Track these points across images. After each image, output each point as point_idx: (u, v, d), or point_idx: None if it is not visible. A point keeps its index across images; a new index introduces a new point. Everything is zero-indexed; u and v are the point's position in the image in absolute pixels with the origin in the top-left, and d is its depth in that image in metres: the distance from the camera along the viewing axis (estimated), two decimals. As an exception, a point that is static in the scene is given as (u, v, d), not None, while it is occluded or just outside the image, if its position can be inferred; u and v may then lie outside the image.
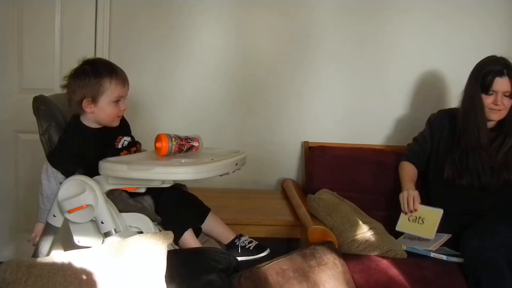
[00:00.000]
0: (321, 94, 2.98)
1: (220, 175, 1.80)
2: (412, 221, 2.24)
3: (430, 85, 2.95)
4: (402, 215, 2.33)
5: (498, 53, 2.33)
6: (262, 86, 2.97)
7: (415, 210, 2.29)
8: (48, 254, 1.88)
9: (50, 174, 1.88)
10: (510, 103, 2.26)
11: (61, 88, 1.92)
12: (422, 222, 2.20)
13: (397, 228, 2.32)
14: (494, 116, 2.28)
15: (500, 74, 2.21)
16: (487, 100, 2.25)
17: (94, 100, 1.85)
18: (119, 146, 1.94)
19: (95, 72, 1.85)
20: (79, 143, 1.86)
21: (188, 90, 2.95)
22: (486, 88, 2.24)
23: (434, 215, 2.18)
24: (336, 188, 2.55)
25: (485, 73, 2.24)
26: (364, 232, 2.21)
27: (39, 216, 1.93)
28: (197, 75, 2.94)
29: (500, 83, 2.22)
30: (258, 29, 2.95)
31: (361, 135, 3.00)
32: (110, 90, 1.85)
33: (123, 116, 2.03)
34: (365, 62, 2.96)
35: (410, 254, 2.21)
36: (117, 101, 1.89)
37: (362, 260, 2.14)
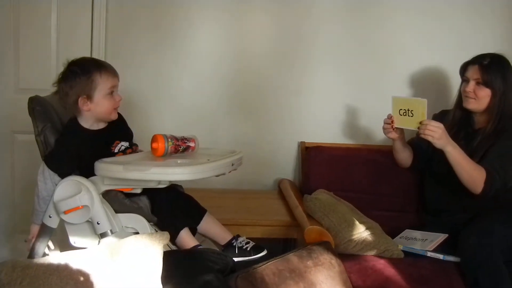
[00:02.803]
0: (317, 94, 2.97)
1: (217, 176, 1.80)
2: (403, 114, 2.25)
3: (427, 84, 2.95)
4: (394, 115, 2.32)
5: (498, 50, 2.35)
6: (258, 86, 2.97)
7: (391, 120, 2.32)
8: (44, 255, 1.88)
9: (47, 176, 1.87)
10: (483, 94, 2.28)
11: (52, 95, 1.93)
12: (412, 115, 2.21)
13: (395, 125, 2.33)
14: (467, 104, 2.34)
15: (473, 62, 2.32)
16: (463, 87, 2.35)
17: (89, 97, 1.86)
18: (116, 151, 1.94)
19: (83, 70, 1.87)
20: (76, 145, 1.86)
21: (184, 90, 2.95)
22: (462, 76, 2.38)
23: (420, 105, 2.18)
24: (332, 188, 2.56)
25: (464, 63, 2.38)
26: (361, 232, 2.21)
27: (35, 217, 1.93)
28: (194, 75, 2.94)
29: (471, 70, 2.31)
30: (254, 29, 2.94)
31: (357, 135, 3.00)
32: (102, 83, 1.87)
33: (126, 123, 2.05)
34: (362, 62, 2.96)
35: (406, 253, 2.22)
36: (111, 93, 1.90)
37: (359, 260, 2.14)
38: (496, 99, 2.26)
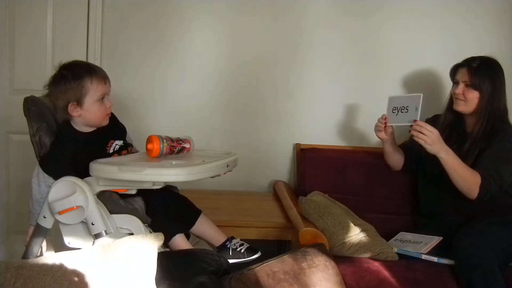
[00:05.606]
0: (313, 96, 2.98)
1: (212, 177, 1.80)
2: (397, 111, 2.28)
3: (422, 87, 2.95)
4: (387, 114, 2.36)
5: (494, 53, 2.37)
6: (254, 88, 2.97)
7: (385, 121, 2.38)
8: (38, 255, 1.87)
9: (41, 179, 1.87)
10: (472, 96, 2.31)
11: (44, 97, 1.92)
12: (407, 111, 2.23)
13: (388, 124, 2.38)
14: (457, 106, 2.37)
15: (462, 65, 2.36)
16: (454, 90, 2.39)
17: (79, 103, 1.85)
18: (110, 151, 1.93)
19: (73, 75, 1.84)
20: (71, 149, 1.85)
21: (180, 91, 2.95)
22: (453, 78, 2.42)
23: (415, 100, 2.20)
24: (327, 190, 2.55)
25: (454, 65, 2.42)
26: (356, 234, 2.22)
27: (31, 219, 1.93)
28: (190, 77, 2.94)
29: (460, 73, 2.35)
30: (250, 31, 2.95)
31: (352, 137, 3.01)
32: (92, 89, 1.85)
33: (118, 120, 2.03)
34: (357, 64, 2.98)
35: (401, 256, 2.22)
36: (101, 99, 1.89)
37: (353, 262, 2.14)
38: (483, 101, 2.28)
